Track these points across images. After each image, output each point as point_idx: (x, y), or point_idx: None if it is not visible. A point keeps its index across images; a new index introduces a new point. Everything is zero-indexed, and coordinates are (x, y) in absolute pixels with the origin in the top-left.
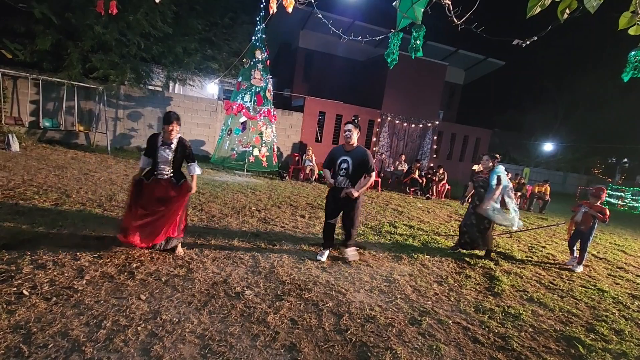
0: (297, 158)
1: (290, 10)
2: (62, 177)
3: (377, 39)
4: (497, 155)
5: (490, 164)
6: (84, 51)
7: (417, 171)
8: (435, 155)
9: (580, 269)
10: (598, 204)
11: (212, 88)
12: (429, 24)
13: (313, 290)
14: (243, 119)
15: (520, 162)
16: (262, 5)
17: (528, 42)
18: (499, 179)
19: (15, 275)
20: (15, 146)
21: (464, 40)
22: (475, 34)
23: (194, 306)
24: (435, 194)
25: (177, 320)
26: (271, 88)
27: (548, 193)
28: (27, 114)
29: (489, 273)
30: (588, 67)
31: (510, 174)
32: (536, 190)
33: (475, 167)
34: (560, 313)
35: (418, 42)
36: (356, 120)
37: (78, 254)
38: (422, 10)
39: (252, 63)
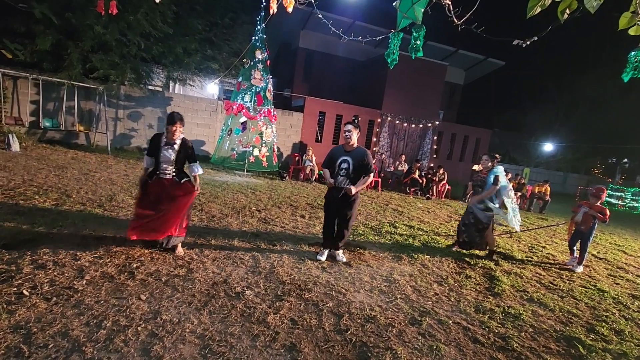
0: (297, 158)
1: (290, 10)
2: (62, 177)
3: (377, 39)
4: (497, 156)
5: (490, 164)
6: (84, 51)
7: (417, 171)
8: (435, 156)
9: (580, 269)
10: (598, 204)
11: (212, 88)
12: (429, 24)
13: (313, 291)
14: (243, 119)
15: (520, 162)
16: (262, 6)
17: (528, 42)
18: (496, 178)
19: (16, 275)
20: (15, 146)
21: (464, 40)
22: (475, 34)
23: (194, 306)
24: (435, 194)
25: (177, 320)
26: (271, 88)
27: (548, 193)
28: (27, 114)
29: (489, 273)
30: (588, 67)
31: (510, 174)
32: (536, 191)
33: (476, 167)
34: (561, 313)
35: (418, 42)
36: (356, 121)
37: (78, 254)
38: (422, 10)
39: (252, 63)
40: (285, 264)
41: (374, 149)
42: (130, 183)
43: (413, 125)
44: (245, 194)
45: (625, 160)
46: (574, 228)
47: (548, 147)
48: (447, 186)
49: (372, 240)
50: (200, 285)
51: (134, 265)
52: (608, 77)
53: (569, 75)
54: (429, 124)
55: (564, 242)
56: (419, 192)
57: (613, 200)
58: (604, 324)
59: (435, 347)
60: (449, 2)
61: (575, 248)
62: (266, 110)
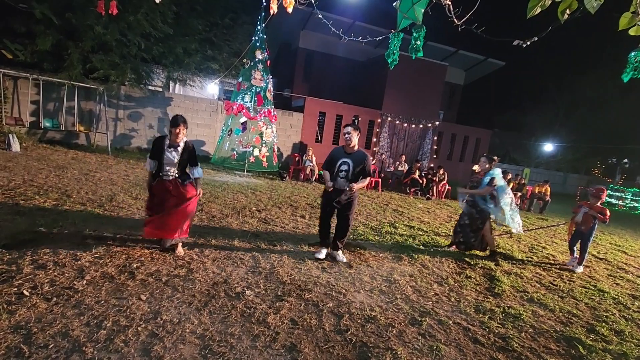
0: (297, 158)
1: (290, 10)
2: (63, 177)
3: (377, 39)
4: (495, 158)
5: (487, 165)
6: (84, 51)
7: (417, 171)
8: (435, 156)
9: (580, 269)
10: (598, 204)
11: (212, 88)
12: (430, 24)
13: (313, 291)
14: (243, 119)
15: (520, 163)
16: (262, 6)
17: (528, 43)
18: (492, 180)
19: (16, 275)
20: (15, 146)
21: (464, 40)
22: (475, 35)
23: (195, 306)
24: (435, 194)
25: (177, 320)
26: (271, 88)
27: (548, 193)
28: (27, 114)
29: (489, 273)
30: (588, 68)
31: (510, 175)
32: (536, 191)
33: (476, 168)
34: (561, 313)
35: (418, 42)
36: (356, 122)
37: (78, 254)
38: (423, 10)
39: (252, 63)
40: (286, 264)
41: (374, 149)
42: (131, 183)
43: (413, 126)
44: (246, 194)
45: (626, 160)
46: (574, 228)
47: (548, 147)
48: (447, 186)
49: (372, 240)
50: (200, 286)
51: (134, 266)
52: (608, 78)
53: (569, 75)
54: (429, 124)
55: (564, 243)
56: (419, 193)
57: (613, 201)
58: (604, 324)
59: (435, 347)
60: (449, 3)
61: (575, 248)
62: (266, 110)
